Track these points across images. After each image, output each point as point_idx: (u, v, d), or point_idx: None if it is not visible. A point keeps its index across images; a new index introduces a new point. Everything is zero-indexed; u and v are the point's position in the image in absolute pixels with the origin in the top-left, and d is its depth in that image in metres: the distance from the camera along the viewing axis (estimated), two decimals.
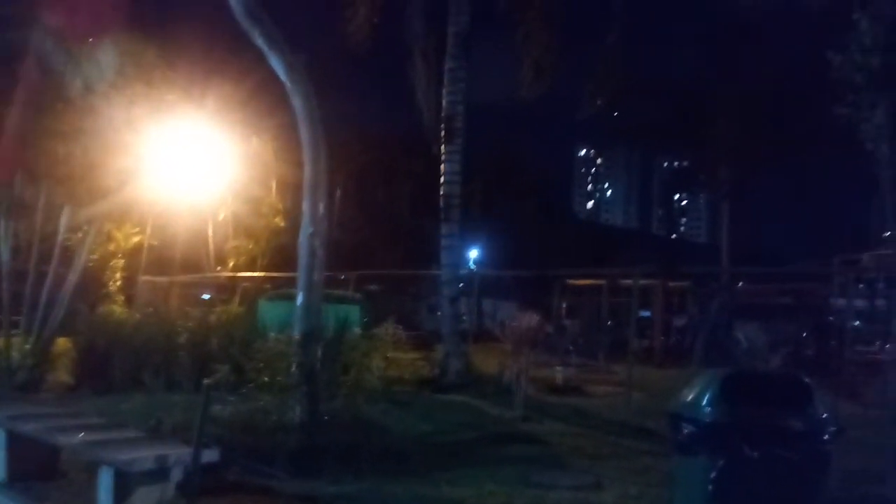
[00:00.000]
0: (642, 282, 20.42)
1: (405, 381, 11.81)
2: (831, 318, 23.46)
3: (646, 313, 23.14)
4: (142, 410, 8.19)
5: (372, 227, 31.01)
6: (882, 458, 5.54)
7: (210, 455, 5.29)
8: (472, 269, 28.43)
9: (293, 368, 7.43)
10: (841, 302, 21.47)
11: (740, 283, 27.47)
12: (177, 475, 5.19)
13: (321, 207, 8.29)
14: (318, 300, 8.04)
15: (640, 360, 16.45)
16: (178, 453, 5.21)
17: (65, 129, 10.16)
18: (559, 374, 13.98)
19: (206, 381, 5.02)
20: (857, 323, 18.63)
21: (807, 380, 2.84)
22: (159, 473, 5.10)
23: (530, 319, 10.96)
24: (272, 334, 8.24)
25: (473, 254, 33.40)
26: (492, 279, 26.61)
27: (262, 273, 21.55)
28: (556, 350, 17.03)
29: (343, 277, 19.09)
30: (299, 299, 7.96)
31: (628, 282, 19.59)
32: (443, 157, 14.61)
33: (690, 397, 2.90)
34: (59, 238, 11.10)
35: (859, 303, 20.53)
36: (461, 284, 15.83)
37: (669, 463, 3.38)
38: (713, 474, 2.61)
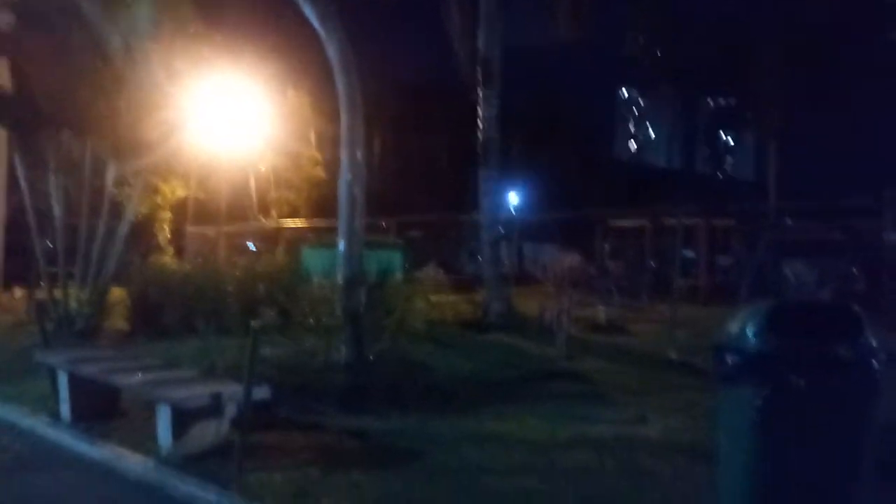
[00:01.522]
0: (686, 221, 20.15)
1: (448, 322, 12.01)
2: (883, 253, 22.83)
3: (689, 253, 22.86)
4: (195, 354, 8.49)
5: (412, 176, 31.03)
6: None
7: (261, 392, 5.49)
8: (513, 214, 28.32)
9: (337, 312, 7.60)
10: (894, 237, 20.84)
11: (788, 221, 26.84)
12: (231, 411, 5.42)
13: (359, 155, 8.33)
14: (359, 246, 8.15)
15: (685, 299, 16.32)
16: (231, 390, 5.43)
17: (107, 85, 10.30)
18: (602, 313, 13.96)
19: (253, 322, 5.18)
20: None
21: (856, 308, 2.80)
22: (214, 409, 5.32)
23: (573, 259, 10.94)
24: (316, 280, 8.40)
25: (514, 199, 33.20)
26: (533, 223, 26.51)
27: (304, 222, 21.89)
28: (598, 291, 17.00)
29: (384, 225, 19.24)
30: (341, 246, 8.09)
31: (672, 221, 19.35)
32: (480, 102, 14.46)
33: (736, 328, 2.88)
34: (108, 192, 11.38)
35: None
36: (501, 228, 15.83)
37: (714, 396, 3.38)
38: (758, 403, 2.61)
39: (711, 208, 21.29)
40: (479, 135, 14.43)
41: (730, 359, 2.83)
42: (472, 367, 9.48)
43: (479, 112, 14.45)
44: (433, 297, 11.63)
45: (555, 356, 10.28)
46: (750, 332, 2.80)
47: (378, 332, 8.09)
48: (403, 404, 6.95)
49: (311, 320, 7.49)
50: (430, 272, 9.75)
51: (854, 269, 20.77)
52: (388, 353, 7.79)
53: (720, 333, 3.05)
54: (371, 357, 7.66)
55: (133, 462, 5.37)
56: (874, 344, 2.75)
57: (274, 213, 23.49)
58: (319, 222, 20.07)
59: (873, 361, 2.73)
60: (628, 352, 11.03)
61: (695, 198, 26.43)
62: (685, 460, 5.59)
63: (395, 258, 11.52)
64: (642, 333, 13.27)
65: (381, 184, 28.29)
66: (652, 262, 21.10)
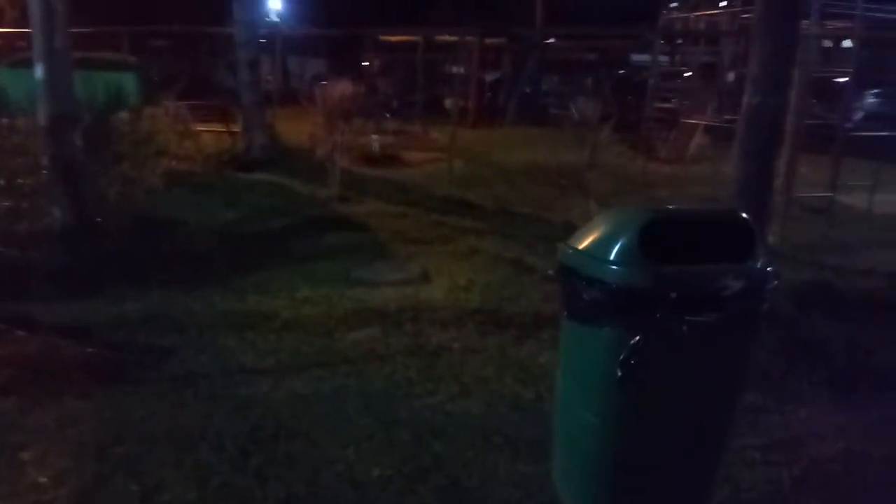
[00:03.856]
0: (463, 38, 19.40)
1: (202, 160, 10.40)
2: (631, 74, 24.19)
3: (460, 69, 22.42)
4: None
5: None
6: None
7: None
8: (276, 24, 25.55)
9: (43, 163, 5.82)
10: (642, 58, 21.95)
11: (552, 40, 27.27)
12: None
13: None
14: (65, 72, 6.17)
15: (456, 121, 15.97)
16: None
17: None
18: (375, 143, 13.07)
19: None
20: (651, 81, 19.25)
21: (746, 218, 2.06)
22: None
23: (344, 88, 9.66)
24: (5, 121, 6.37)
25: (276, 4, 29.98)
26: (298, 36, 24.17)
27: (12, 29, 17.63)
28: (370, 114, 15.94)
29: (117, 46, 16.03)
30: (39, 72, 6.05)
31: (445, 37, 18.49)
32: None
33: (593, 245, 2.03)
34: None
35: (661, 58, 21.16)
36: (262, 41, 13.87)
37: (558, 326, 2.56)
38: (625, 354, 1.84)
39: (488, 27, 20.64)
40: None
41: (584, 293, 2.02)
42: (233, 218, 8.25)
43: None
44: (182, 128, 9.90)
45: (327, 198, 9.31)
46: (614, 256, 1.98)
47: (107, 186, 6.48)
48: (143, 278, 5.64)
49: (2, 180, 5.65)
50: (171, 109, 7.99)
51: (607, 90, 21.76)
52: (120, 213, 6.27)
53: (568, 250, 2.19)
54: (98, 219, 6.11)
55: None
56: (768, 268, 2.07)
57: None
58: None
59: (765, 289, 2.07)
60: (405, 188, 10.37)
61: (465, 14, 25.59)
62: (475, 331, 5.10)
63: (129, 82, 9.44)
64: (417, 164, 12.70)
65: None
66: (423, 81, 20.32)
